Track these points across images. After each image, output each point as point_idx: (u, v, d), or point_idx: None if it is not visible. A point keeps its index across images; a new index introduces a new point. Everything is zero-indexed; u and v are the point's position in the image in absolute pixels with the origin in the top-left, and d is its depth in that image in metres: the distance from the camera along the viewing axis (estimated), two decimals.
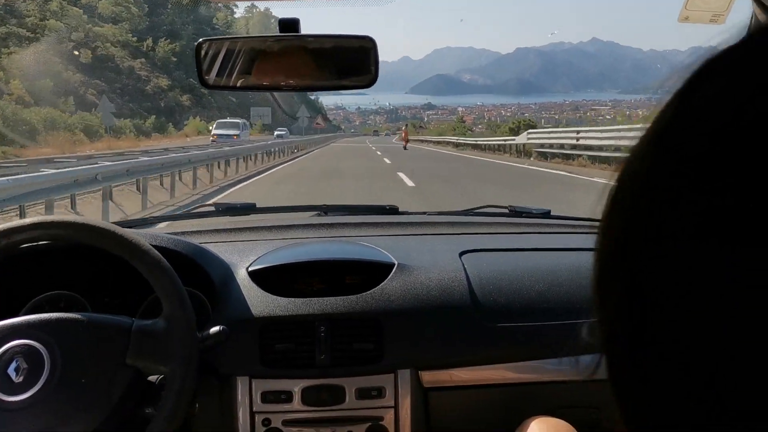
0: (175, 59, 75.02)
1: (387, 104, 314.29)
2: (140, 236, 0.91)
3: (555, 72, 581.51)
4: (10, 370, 0.79)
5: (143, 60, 70.11)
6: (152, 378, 0.92)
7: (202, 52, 1.05)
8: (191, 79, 74.73)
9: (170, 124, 59.59)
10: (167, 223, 1.63)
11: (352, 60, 1.06)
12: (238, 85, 1.07)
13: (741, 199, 0.19)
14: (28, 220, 0.89)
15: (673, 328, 0.21)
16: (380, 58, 1.05)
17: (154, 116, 59.26)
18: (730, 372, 0.20)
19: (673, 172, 0.21)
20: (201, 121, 60.26)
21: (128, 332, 0.85)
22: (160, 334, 0.85)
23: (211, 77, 1.06)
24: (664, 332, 0.21)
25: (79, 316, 0.86)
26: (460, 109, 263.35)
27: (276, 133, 47.74)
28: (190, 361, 0.84)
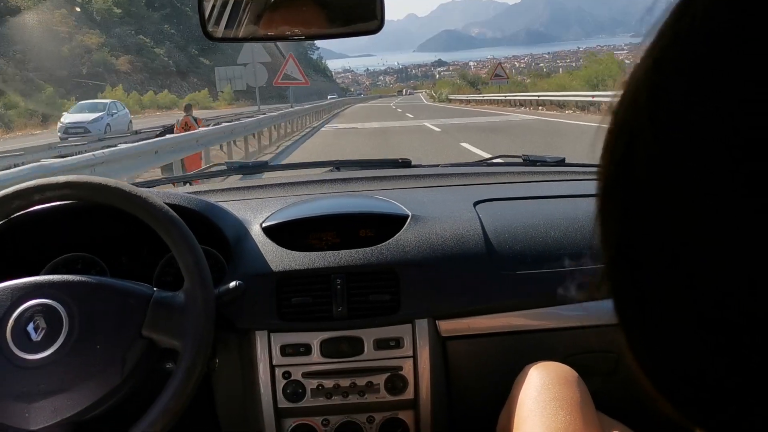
0: (119, 11, 61.33)
1: (396, 64, 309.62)
2: (155, 195, 0.91)
3: (566, 20, 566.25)
4: (30, 328, 0.80)
5: (65, 11, 52.51)
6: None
7: (205, 3, 1.04)
8: (142, 36, 60.99)
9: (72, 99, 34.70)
10: (180, 182, 1.65)
11: (358, 6, 1.06)
12: (244, 36, 1.07)
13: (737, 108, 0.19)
14: (60, 178, 0.88)
15: (667, 243, 0.21)
16: (386, 17, 1.05)
17: (51, 88, 38.98)
18: (719, 281, 0.20)
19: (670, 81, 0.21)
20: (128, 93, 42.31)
21: (147, 302, 0.85)
22: (178, 308, 0.85)
23: (217, 29, 1.06)
24: (659, 249, 0.21)
25: (101, 280, 0.87)
26: (472, 63, 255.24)
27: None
28: (204, 340, 0.83)
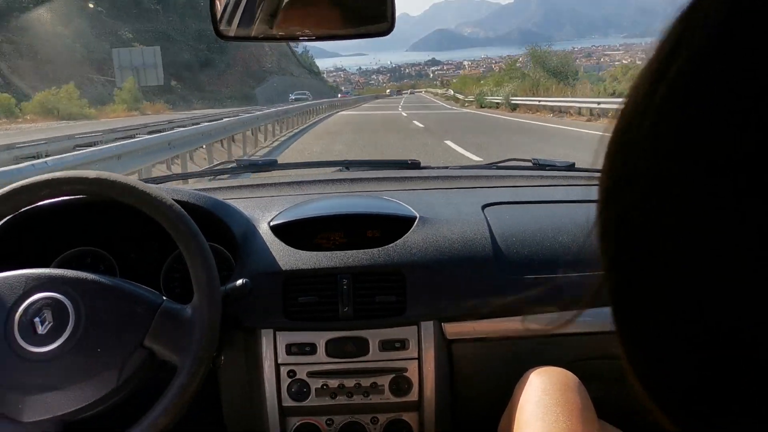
0: None
1: (389, 63, 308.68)
2: (163, 191, 0.90)
3: (558, 20, 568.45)
4: (37, 321, 0.80)
5: None
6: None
7: (217, 3, 1.04)
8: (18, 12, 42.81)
9: None
10: (189, 180, 1.63)
11: (368, 7, 1.05)
12: (255, 35, 1.07)
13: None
14: (72, 173, 0.88)
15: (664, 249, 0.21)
16: None
17: None
18: (715, 293, 0.20)
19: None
20: None
21: (155, 312, 0.84)
22: (183, 323, 0.84)
23: (226, 28, 1.05)
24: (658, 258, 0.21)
25: (113, 282, 0.86)
26: (466, 63, 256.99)
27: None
28: (203, 360, 0.83)
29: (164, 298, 0.87)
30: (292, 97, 44.08)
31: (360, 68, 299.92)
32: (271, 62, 58.84)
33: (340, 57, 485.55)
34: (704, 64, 0.20)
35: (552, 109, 20.77)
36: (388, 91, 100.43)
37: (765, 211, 0.18)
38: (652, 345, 0.22)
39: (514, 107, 24.98)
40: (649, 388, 0.23)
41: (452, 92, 53.84)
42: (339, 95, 64.65)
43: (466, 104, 36.91)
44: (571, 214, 1.15)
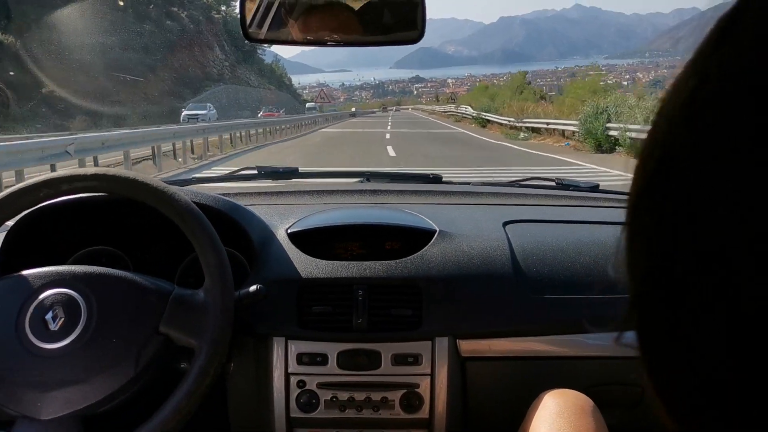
0: None
1: (372, 79, 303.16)
2: (182, 192, 0.90)
3: (540, 40, 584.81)
4: (48, 317, 0.80)
5: None
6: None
7: (246, 4, 1.04)
8: None
9: None
10: (210, 184, 1.62)
11: (399, 14, 1.04)
12: (284, 39, 1.06)
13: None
14: (90, 169, 0.89)
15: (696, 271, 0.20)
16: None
17: None
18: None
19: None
20: None
21: (166, 299, 0.84)
22: (197, 307, 0.84)
23: (259, 31, 1.05)
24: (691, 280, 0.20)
25: (122, 274, 0.86)
26: (450, 80, 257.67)
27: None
28: (220, 341, 0.82)
29: (175, 286, 0.87)
30: (185, 113, 28.88)
31: (343, 84, 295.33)
32: (220, 67, 45.90)
33: (323, 73, 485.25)
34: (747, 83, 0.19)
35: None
36: (353, 109, 75.34)
37: None
38: (681, 371, 0.22)
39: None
40: (676, 416, 0.22)
41: (471, 110, 32.20)
42: (260, 114, 38.29)
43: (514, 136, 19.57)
44: (593, 235, 1.13)
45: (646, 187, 0.22)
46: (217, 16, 53.62)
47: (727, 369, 0.20)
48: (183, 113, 29.60)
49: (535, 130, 19.18)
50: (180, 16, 44.99)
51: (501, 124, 23.87)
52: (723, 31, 0.20)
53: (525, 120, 20.84)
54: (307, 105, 51.04)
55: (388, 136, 21.06)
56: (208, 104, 31.79)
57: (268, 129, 21.14)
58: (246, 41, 1.10)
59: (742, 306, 0.19)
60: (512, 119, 22.41)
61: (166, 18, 42.75)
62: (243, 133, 17.94)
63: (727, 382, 0.20)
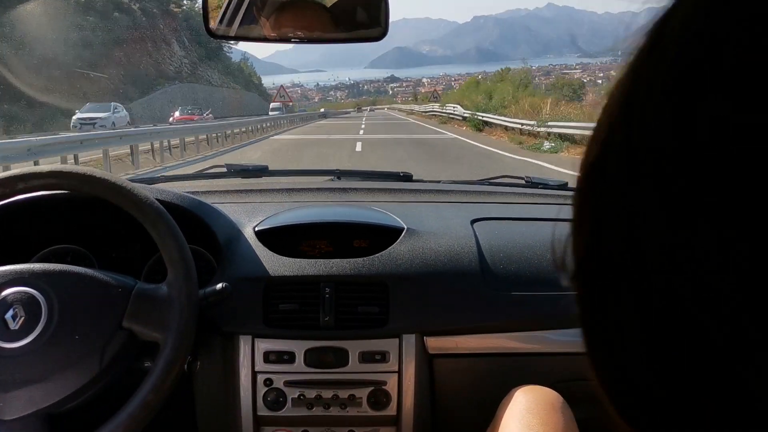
0: None
1: (347, 79, 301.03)
2: (148, 191, 0.90)
3: (514, 39, 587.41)
4: (8, 317, 0.79)
5: None
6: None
7: (209, 0, 1.03)
8: None
9: None
10: (178, 182, 1.59)
11: (362, 13, 1.05)
12: (246, 36, 1.06)
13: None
14: (45, 167, 0.87)
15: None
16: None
17: None
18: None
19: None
20: None
21: (129, 294, 0.83)
22: (160, 300, 0.84)
23: (218, 27, 1.05)
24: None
25: (83, 271, 0.85)
26: (425, 80, 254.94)
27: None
28: (185, 333, 0.82)
29: (137, 281, 0.86)
30: (78, 116, 22.46)
31: (318, 84, 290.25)
32: (179, 64, 42.21)
33: (298, 73, 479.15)
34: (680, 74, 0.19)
35: None
36: (322, 109, 69.56)
37: (745, 237, 0.17)
38: (620, 360, 0.22)
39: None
40: (617, 404, 0.23)
41: (461, 110, 27.36)
42: (172, 117, 28.12)
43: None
44: (561, 232, 0.92)
45: (581, 183, 0.23)
46: (176, 9, 50.17)
47: (646, 368, 0.20)
48: (75, 116, 22.64)
49: (566, 138, 13.62)
50: (131, 8, 41.55)
51: (507, 127, 18.35)
52: (653, 34, 0.21)
53: (550, 123, 15.05)
54: (271, 105, 42.61)
55: (358, 147, 15.00)
56: (115, 105, 24.44)
57: (172, 142, 13.65)
58: (210, 37, 1.09)
59: (653, 303, 0.19)
60: (526, 121, 16.90)
61: (114, 10, 39.23)
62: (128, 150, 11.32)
63: (646, 378, 0.20)
